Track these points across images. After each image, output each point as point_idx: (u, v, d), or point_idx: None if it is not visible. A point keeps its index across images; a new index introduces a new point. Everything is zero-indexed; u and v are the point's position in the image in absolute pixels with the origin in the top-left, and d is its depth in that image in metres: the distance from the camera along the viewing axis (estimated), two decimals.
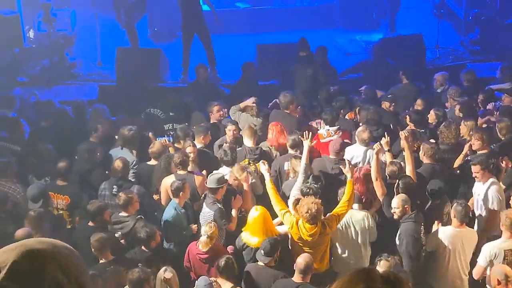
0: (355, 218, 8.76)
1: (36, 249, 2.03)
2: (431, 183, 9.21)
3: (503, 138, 10.38)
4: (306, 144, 9.20)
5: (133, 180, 10.01)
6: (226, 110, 11.75)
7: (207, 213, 8.86)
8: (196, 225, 8.97)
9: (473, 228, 8.97)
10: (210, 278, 7.76)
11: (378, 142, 9.39)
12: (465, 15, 17.00)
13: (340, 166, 9.04)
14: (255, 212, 8.35)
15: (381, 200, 8.98)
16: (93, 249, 8.01)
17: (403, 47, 15.36)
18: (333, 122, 10.77)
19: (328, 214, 8.41)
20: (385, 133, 9.95)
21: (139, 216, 8.88)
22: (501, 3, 16.92)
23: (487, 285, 8.11)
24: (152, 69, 14.73)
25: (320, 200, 8.29)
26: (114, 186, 9.48)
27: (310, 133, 9.38)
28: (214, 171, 9.52)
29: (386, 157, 9.53)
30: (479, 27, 16.46)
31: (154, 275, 7.51)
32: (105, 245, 8.03)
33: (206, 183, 9.07)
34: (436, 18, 16.93)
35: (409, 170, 9.15)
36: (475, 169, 8.99)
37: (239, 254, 8.45)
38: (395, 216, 8.46)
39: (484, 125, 10.95)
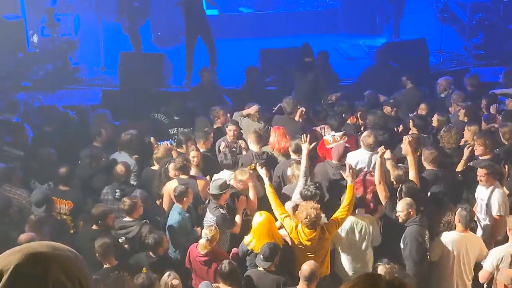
0: (360, 223, 8.75)
1: (39, 252, 2.03)
2: (432, 189, 9.20)
3: (506, 143, 10.36)
4: (305, 147, 9.20)
5: (134, 183, 10.02)
6: (229, 115, 11.74)
7: (209, 219, 8.85)
8: (200, 228, 8.95)
9: (475, 233, 8.94)
10: (213, 284, 7.76)
11: (382, 146, 9.38)
12: (468, 19, 16.99)
13: (341, 172, 9.01)
14: (260, 217, 8.34)
15: (383, 204, 8.98)
16: (97, 254, 8.00)
17: (406, 51, 15.35)
18: (339, 127, 10.76)
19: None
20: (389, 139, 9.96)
21: (144, 220, 8.89)
22: (504, 8, 16.92)
23: None
24: (155, 74, 14.73)
25: (319, 205, 8.29)
26: (117, 191, 9.48)
27: (308, 136, 9.37)
28: (215, 176, 9.52)
29: (388, 165, 9.50)
30: (482, 32, 16.45)
31: (158, 280, 7.50)
32: (109, 251, 8.01)
33: (208, 189, 9.07)
34: (440, 22, 16.93)
35: (412, 175, 9.14)
36: (481, 172, 8.96)
37: (240, 259, 8.42)
38: (400, 220, 8.47)
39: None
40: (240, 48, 16.67)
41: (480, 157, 9.80)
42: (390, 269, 7.65)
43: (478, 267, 8.44)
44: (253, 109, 11.65)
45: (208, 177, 9.81)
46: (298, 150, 9.85)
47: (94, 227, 8.72)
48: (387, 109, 11.98)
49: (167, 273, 7.57)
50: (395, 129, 11.38)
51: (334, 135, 10.61)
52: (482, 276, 8.25)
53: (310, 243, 8.23)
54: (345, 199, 8.47)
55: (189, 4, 14.95)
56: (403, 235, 8.47)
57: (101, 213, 8.64)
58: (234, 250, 8.76)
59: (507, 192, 9.20)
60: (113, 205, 9.35)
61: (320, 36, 17.21)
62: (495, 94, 12.65)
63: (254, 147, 10.32)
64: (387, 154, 9.42)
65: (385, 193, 8.91)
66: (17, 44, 15.20)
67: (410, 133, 10.63)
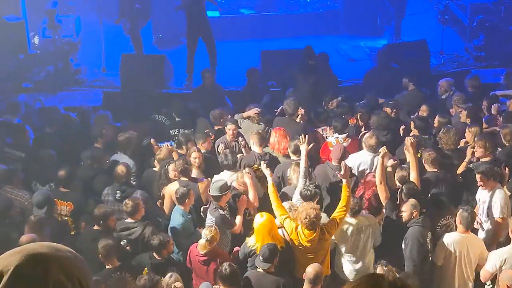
0: (365, 224, 8.75)
1: (39, 253, 2.03)
2: (433, 191, 9.22)
3: (507, 144, 10.36)
4: (303, 148, 9.19)
5: (133, 183, 10.03)
6: (229, 117, 11.74)
7: (210, 220, 8.87)
8: (202, 229, 8.93)
9: (477, 235, 8.94)
10: (214, 286, 7.76)
11: (384, 146, 9.39)
12: (469, 21, 16.99)
13: (336, 173, 8.99)
14: (261, 218, 8.34)
15: (384, 204, 8.98)
16: (99, 255, 8.01)
17: (407, 53, 15.35)
18: (343, 129, 10.75)
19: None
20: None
21: (147, 222, 8.90)
22: (505, 9, 16.92)
23: None
24: (156, 76, 14.73)
25: (319, 206, 8.33)
26: (118, 192, 9.48)
27: (307, 136, 9.36)
28: (216, 177, 9.53)
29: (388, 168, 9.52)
30: (483, 33, 16.45)
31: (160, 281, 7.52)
32: (112, 252, 8.03)
33: (209, 190, 9.08)
34: (441, 24, 16.94)
35: (413, 176, 9.14)
36: (479, 178, 8.97)
37: (240, 262, 8.42)
38: (403, 219, 8.46)
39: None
40: (241, 50, 16.67)
41: (480, 159, 9.80)
42: (388, 271, 7.66)
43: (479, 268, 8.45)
44: (253, 111, 11.66)
45: (209, 179, 9.81)
46: (297, 151, 9.86)
47: (95, 227, 8.73)
48: (387, 110, 11.99)
49: (168, 274, 7.59)
50: (397, 131, 11.39)
51: (337, 137, 10.60)
52: (484, 276, 8.26)
53: (310, 244, 8.24)
54: (342, 199, 8.49)
55: (191, 6, 14.95)
56: (404, 236, 8.47)
57: (102, 214, 8.65)
58: (236, 248, 8.76)
59: (509, 193, 9.19)
60: (113, 206, 9.35)
61: (321, 37, 17.20)
62: (496, 95, 12.64)
63: (256, 148, 10.32)
64: (390, 162, 9.45)
65: (386, 193, 8.93)
66: (18, 45, 15.20)
67: (411, 134, 10.62)
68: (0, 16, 15.08)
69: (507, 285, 7.36)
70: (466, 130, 10.65)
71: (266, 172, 9.08)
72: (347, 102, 12.51)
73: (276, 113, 12.27)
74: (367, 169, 9.96)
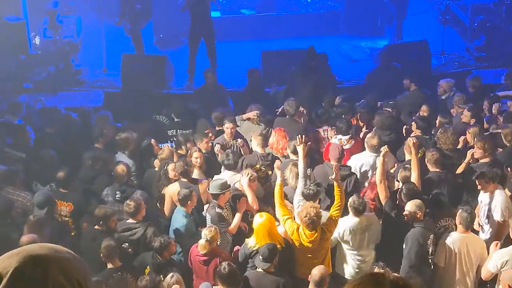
0: (367, 222, 8.76)
1: (38, 254, 2.02)
2: (434, 193, 9.22)
3: (508, 144, 10.35)
4: (300, 149, 9.17)
5: (134, 182, 10.03)
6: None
7: (207, 218, 8.91)
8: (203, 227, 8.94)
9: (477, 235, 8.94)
10: (214, 287, 7.75)
11: (385, 146, 9.38)
12: (470, 21, 16.99)
13: (330, 177, 8.96)
14: (261, 218, 8.34)
15: (383, 204, 8.98)
16: (101, 255, 8.01)
17: (408, 53, 15.34)
18: (347, 131, 10.74)
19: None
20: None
21: (148, 222, 8.89)
22: (506, 9, 16.91)
23: None
24: (157, 76, 14.73)
25: (319, 205, 8.34)
26: (117, 192, 9.47)
27: (303, 137, 9.34)
28: (216, 176, 9.52)
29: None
30: (484, 34, 16.44)
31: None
32: (114, 253, 8.03)
33: (208, 189, 9.08)
34: (442, 24, 16.92)
35: (414, 177, 9.14)
36: (478, 182, 8.96)
37: (239, 263, 8.41)
38: (405, 218, 8.47)
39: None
40: (241, 50, 16.66)
41: (479, 160, 9.79)
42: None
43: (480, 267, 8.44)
44: (252, 113, 11.67)
45: (210, 179, 9.79)
46: (296, 151, 9.84)
47: (96, 227, 8.73)
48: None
49: (170, 275, 7.58)
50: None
51: (341, 139, 10.59)
52: (485, 274, 8.23)
53: (311, 244, 8.26)
54: (335, 197, 8.56)
55: (195, 6, 14.97)
56: (406, 235, 8.46)
57: (103, 215, 8.64)
58: (236, 247, 8.76)
59: (509, 194, 9.18)
60: (113, 206, 9.35)
61: (322, 38, 17.20)
62: (497, 95, 12.64)
63: (259, 149, 10.30)
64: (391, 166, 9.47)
65: (386, 192, 8.95)
66: (19, 45, 15.21)
67: (413, 135, 10.62)
68: (1, 17, 15.08)
69: (509, 285, 7.35)
70: (466, 130, 10.64)
71: (278, 173, 9.05)
72: (348, 102, 12.51)
73: (277, 113, 12.27)
74: (369, 170, 9.95)
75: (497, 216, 8.83)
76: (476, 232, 8.96)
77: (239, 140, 10.72)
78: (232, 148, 10.69)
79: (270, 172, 9.87)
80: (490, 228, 9.00)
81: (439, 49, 16.43)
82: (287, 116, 11.60)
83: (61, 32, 15.71)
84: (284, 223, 8.45)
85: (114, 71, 15.42)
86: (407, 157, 9.95)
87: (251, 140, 10.79)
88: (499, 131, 10.81)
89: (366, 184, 9.92)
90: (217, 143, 10.73)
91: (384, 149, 9.22)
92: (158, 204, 9.89)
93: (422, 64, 15.27)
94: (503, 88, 13.51)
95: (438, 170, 9.54)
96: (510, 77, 13.73)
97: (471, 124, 11.03)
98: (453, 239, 8.40)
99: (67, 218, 9.40)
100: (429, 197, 9.19)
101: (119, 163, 9.88)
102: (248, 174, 9.19)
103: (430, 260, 8.47)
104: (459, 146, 10.57)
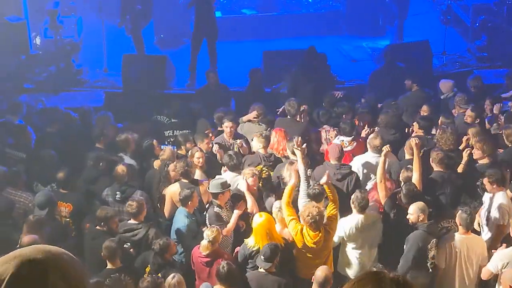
0: (371, 220, 8.76)
1: (33, 259, 2.00)
2: (436, 194, 9.20)
3: (510, 145, 10.33)
4: (298, 152, 9.11)
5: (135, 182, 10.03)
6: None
7: (206, 217, 8.91)
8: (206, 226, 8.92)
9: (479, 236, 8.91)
10: (214, 287, 7.74)
11: (387, 145, 9.36)
12: (472, 21, 16.98)
13: (322, 183, 8.89)
14: (260, 218, 8.34)
15: (382, 203, 8.95)
16: (103, 255, 8.00)
17: (410, 53, 15.32)
18: (351, 132, 10.71)
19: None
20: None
21: (150, 223, 8.89)
22: (508, 9, 16.89)
23: None
24: (158, 76, 14.73)
25: (321, 204, 8.35)
26: (118, 192, 9.45)
27: (299, 139, 9.31)
28: (217, 176, 9.51)
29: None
30: (486, 34, 16.43)
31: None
32: (114, 254, 8.02)
33: (208, 188, 9.07)
34: (443, 24, 16.91)
35: (415, 177, 9.12)
36: (485, 182, 8.93)
37: (239, 263, 8.39)
38: (410, 222, 8.44)
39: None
40: (243, 50, 16.66)
41: (479, 161, 9.78)
42: None
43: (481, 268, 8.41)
44: (252, 114, 11.66)
45: (211, 179, 9.77)
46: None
47: (98, 228, 8.73)
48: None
49: (171, 275, 7.56)
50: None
51: (342, 140, 10.56)
52: (484, 274, 8.20)
53: (315, 245, 8.26)
54: (328, 197, 8.55)
55: (200, 4, 14.97)
56: (407, 237, 8.43)
57: (104, 216, 8.64)
58: (237, 248, 8.75)
59: (511, 195, 9.15)
60: (113, 206, 9.33)
61: (323, 38, 17.20)
62: (499, 96, 12.63)
63: (262, 150, 10.27)
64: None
65: (385, 192, 8.93)
66: (20, 46, 15.22)
67: (414, 135, 10.60)
68: (1, 17, 15.09)
69: (510, 286, 7.33)
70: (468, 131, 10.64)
71: (293, 174, 9.00)
72: (348, 102, 12.49)
73: (278, 113, 12.26)
74: (371, 173, 9.92)
75: (496, 219, 8.80)
76: (478, 233, 8.93)
77: (238, 140, 10.69)
78: (231, 147, 10.68)
79: (271, 173, 9.86)
80: (489, 229, 8.96)
81: (441, 49, 16.42)
82: (288, 116, 11.59)
83: (62, 32, 15.72)
84: (289, 223, 8.45)
85: (115, 71, 15.42)
86: (407, 157, 9.93)
87: (252, 140, 10.76)
88: (500, 131, 10.82)
89: (370, 185, 9.88)
90: (216, 143, 10.71)
91: (385, 148, 9.20)
92: (158, 204, 9.87)
93: (424, 64, 15.26)
94: (504, 88, 13.49)
95: (442, 170, 9.53)
96: (511, 77, 13.71)
97: (472, 124, 11.01)
98: (453, 240, 8.37)
99: (67, 219, 9.40)
100: (431, 197, 9.17)
101: (119, 163, 9.87)
102: (247, 177, 9.17)
103: (428, 265, 8.39)
104: (462, 146, 10.55)
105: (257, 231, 8.29)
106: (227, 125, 10.86)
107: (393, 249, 8.63)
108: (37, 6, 16.38)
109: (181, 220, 8.87)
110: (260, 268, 7.95)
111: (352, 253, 8.83)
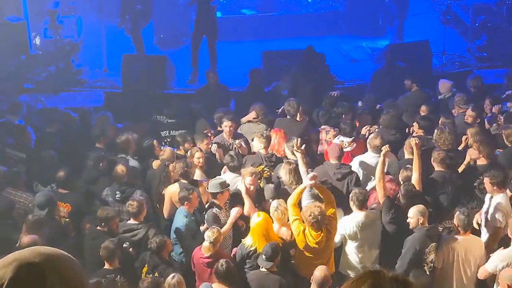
0: (371, 218, 8.76)
1: (31, 262, 1.99)
2: (437, 194, 9.20)
3: (510, 145, 10.33)
4: (298, 154, 9.11)
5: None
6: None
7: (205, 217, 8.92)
8: (205, 225, 8.92)
9: (480, 236, 8.90)
10: (213, 285, 7.74)
11: (386, 145, 9.35)
12: (471, 21, 16.98)
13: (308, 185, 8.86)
14: (257, 218, 8.34)
15: (381, 203, 8.97)
16: (101, 255, 8.00)
17: (409, 53, 15.31)
18: (351, 133, 10.70)
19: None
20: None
21: (150, 223, 8.89)
22: (508, 9, 16.89)
23: None
24: (158, 76, 14.73)
25: (322, 204, 8.35)
26: (117, 192, 9.45)
27: (299, 140, 9.31)
28: (217, 177, 9.51)
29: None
30: (486, 34, 16.42)
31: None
32: (113, 254, 8.02)
33: (207, 188, 9.06)
34: (443, 24, 16.90)
35: (415, 177, 9.12)
36: (485, 182, 8.92)
37: (236, 263, 8.39)
38: (410, 226, 8.42)
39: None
40: (242, 50, 16.66)
41: (477, 162, 9.77)
42: None
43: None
44: (251, 115, 11.67)
45: (210, 180, 9.77)
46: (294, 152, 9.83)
47: (98, 228, 8.73)
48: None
49: (171, 275, 7.56)
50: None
51: (342, 141, 10.56)
52: (481, 273, 8.19)
53: (318, 246, 8.27)
54: (323, 198, 8.55)
55: (201, 5, 14.98)
56: (406, 239, 8.41)
57: (105, 216, 8.64)
58: (234, 250, 8.75)
59: (510, 194, 9.14)
60: (113, 207, 9.33)
61: (323, 38, 17.20)
62: (499, 96, 12.63)
63: (263, 150, 10.26)
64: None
65: (384, 191, 8.91)
66: (20, 46, 15.21)
67: (415, 135, 10.60)
68: (1, 17, 15.08)
69: (508, 284, 7.33)
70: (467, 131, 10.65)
71: (304, 176, 9.00)
72: (348, 102, 12.48)
73: (278, 113, 12.25)
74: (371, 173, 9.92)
75: (494, 221, 8.78)
76: (479, 233, 8.92)
77: (237, 141, 10.68)
78: (231, 146, 10.67)
79: (273, 173, 9.85)
80: (487, 231, 8.95)
81: (440, 49, 16.42)
82: (288, 116, 11.58)
83: (62, 32, 15.71)
84: (292, 223, 8.46)
85: (114, 71, 15.41)
86: (406, 156, 9.93)
87: (252, 140, 10.75)
88: (501, 132, 10.81)
89: (370, 185, 9.86)
90: (215, 142, 10.71)
91: (384, 148, 9.19)
92: (157, 205, 9.87)
93: (423, 64, 15.24)
94: (503, 88, 13.49)
95: (443, 169, 9.52)
96: (511, 77, 13.71)
97: (472, 124, 11.01)
98: (451, 241, 8.37)
99: (67, 219, 9.39)
100: (432, 197, 9.17)
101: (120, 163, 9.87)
102: (245, 175, 9.17)
103: (426, 268, 8.35)
104: (462, 146, 10.56)
105: (254, 231, 8.30)
106: (226, 125, 10.85)
107: (395, 248, 8.61)
108: (37, 6, 16.38)
109: (180, 220, 8.88)
110: (262, 267, 7.95)
111: (352, 253, 8.83)
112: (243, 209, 9.03)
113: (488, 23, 16.43)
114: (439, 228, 8.84)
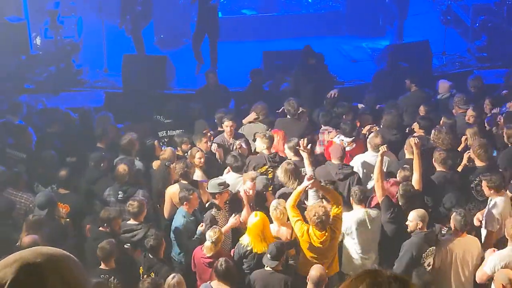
0: (372, 215, 8.77)
1: (32, 263, 1.99)
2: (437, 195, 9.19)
3: (510, 145, 10.32)
4: (305, 154, 9.12)
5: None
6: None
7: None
8: (203, 224, 8.90)
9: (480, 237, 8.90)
10: (212, 283, 7.74)
11: (384, 145, 9.35)
12: (472, 22, 16.96)
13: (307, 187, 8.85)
14: (254, 218, 8.35)
15: (379, 202, 8.97)
16: (97, 256, 8.00)
17: (410, 53, 15.31)
18: (351, 133, 10.70)
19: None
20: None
21: (150, 223, 8.89)
22: (508, 9, 16.88)
23: None
24: (158, 76, 14.73)
25: (326, 204, 8.37)
26: (120, 192, 9.44)
27: (306, 140, 9.32)
28: (217, 177, 9.51)
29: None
30: (486, 34, 16.41)
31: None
32: (109, 256, 8.02)
33: (207, 188, 9.06)
34: (443, 25, 16.91)
35: (415, 177, 9.12)
36: (482, 185, 8.92)
37: (235, 262, 8.40)
38: (408, 229, 8.41)
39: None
40: (242, 51, 16.65)
41: (475, 163, 9.77)
42: None
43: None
44: (251, 116, 11.67)
45: (210, 180, 9.77)
46: (296, 152, 9.82)
47: (100, 229, 8.73)
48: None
49: (171, 276, 7.56)
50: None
51: (342, 140, 10.55)
52: (480, 276, 8.15)
53: (322, 245, 8.28)
54: (329, 197, 8.56)
55: (202, 5, 15.02)
56: (403, 243, 8.39)
57: (107, 217, 8.64)
58: (232, 251, 8.75)
59: (510, 195, 9.13)
60: (115, 206, 9.32)
61: (323, 38, 17.19)
62: (499, 96, 12.63)
63: (266, 151, 10.26)
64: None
65: (382, 191, 8.91)
66: (20, 46, 15.20)
67: (415, 135, 10.60)
68: (2, 17, 15.08)
69: (502, 284, 7.32)
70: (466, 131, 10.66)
71: (309, 170, 8.99)
72: (348, 102, 12.48)
73: (278, 113, 12.25)
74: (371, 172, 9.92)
75: (489, 224, 8.78)
76: (479, 233, 8.92)
77: (237, 141, 10.67)
78: (231, 146, 10.66)
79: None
80: (485, 231, 8.95)
81: (441, 50, 16.41)
82: (288, 116, 11.58)
83: (62, 33, 15.71)
84: (294, 224, 8.45)
85: (115, 72, 15.40)
86: (407, 156, 9.93)
87: (253, 140, 10.74)
88: (501, 131, 10.81)
89: (370, 184, 9.86)
90: (215, 142, 10.70)
91: (382, 148, 9.19)
92: (158, 205, 9.87)
93: (423, 65, 15.24)
94: (504, 88, 13.48)
95: (444, 170, 9.52)
96: (511, 78, 13.72)
97: (472, 124, 11.01)
98: (449, 242, 8.37)
99: (67, 219, 9.39)
100: (433, 197, 9.17)
101: (120, 163, 9.86)
102: (246, 180, 9.16)
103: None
104: (461, 147, 10.55)
105: (250, 231, 8.33)
106: (227, 124, 10.84)
107: (394, 248, 8.60)
108: (37, 6, 16.37)
109: (178, 220, 8.89)
110: (267, 266, 7.96)
111: (353, 252, 8.83)
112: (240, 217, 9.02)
113: (489, 23, 16.42)
114: (442, 230, 8.81)
